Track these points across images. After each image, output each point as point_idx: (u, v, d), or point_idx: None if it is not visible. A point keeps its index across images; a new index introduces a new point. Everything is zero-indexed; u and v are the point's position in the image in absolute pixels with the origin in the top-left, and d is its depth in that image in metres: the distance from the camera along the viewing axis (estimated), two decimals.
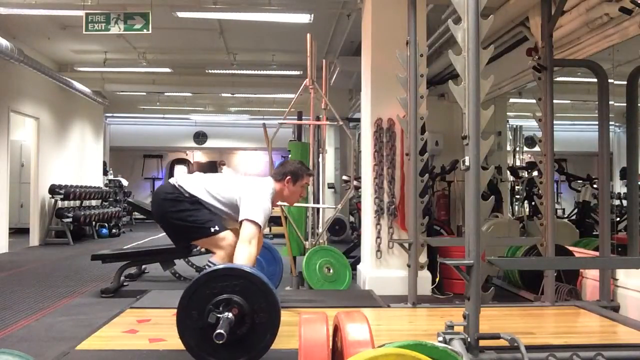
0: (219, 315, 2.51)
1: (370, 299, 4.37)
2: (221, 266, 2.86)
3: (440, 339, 2.41)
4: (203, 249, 5.62)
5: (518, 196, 8.70)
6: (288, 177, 3.54)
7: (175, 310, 2.87)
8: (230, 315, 2.51)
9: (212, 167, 17.20)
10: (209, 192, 3.36)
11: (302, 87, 5.49)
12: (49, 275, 6.30)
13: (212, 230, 3.29)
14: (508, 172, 8.25)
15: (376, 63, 5.13)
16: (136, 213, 13.60)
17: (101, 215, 10.71)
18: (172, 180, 3.49)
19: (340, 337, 2.05)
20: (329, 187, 10.00)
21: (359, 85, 6.84)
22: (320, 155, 6.05)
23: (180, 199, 3.33)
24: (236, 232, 3.31)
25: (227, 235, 3.31)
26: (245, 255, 3.08)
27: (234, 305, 2.54)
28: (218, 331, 2.42)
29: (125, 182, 13.71)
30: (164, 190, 3.43)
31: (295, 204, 5.60)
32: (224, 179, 3.55)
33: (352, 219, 10.72)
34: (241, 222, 3.20)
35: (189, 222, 3.31)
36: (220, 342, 2.40)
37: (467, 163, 2.49)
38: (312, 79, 5.47)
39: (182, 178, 3.48)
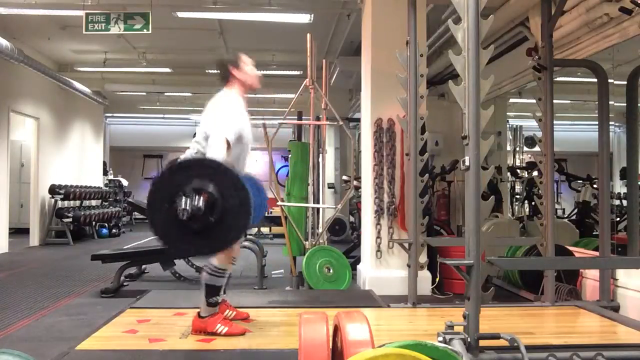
0: (187, 199, 2.53)
1: (370, 299, 4.37)
2: (191, 157, 2.84)
3: (440, 339, 2.41)
4: None
5: (518, 196, 8.71)
6: (232, 67, 3.32)
7: (176, 311, 2.90)
8: (199, 198, 2.52)
9: None
10: None
11: (302, 87, 5.49)
12: (49, 275, 6.30)
13: None
14: (508, 172, 8.26)
15: (376, 63, 5.13)
16: (136, 213, 13.58)
17: (101, 215, 10.71)
18: None
19: (340, 337, 2.05)
20: (329, 187, 9.99)
21: (359, 85, 6.84)
22: (320, 155, 6.05)
23: None
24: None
25: None
26: (215, 154, 2.96)
27: (203, 191, 2.55)
28: (183, 207, 2.46)
29: (125, 182, 13.70)
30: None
31: (296, 204, 5.62)
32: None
33: (352, 219, 10.72)
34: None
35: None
36: (185, 218, 2.45)
37: (467, 163, 2.49)
38: (312, 79, 5.47)
39: None
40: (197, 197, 2.54)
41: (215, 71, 3.51)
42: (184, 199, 2.53)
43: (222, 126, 3.09)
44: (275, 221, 10.73)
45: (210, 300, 3.20)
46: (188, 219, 2.52)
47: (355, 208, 9.98)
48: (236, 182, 2.65)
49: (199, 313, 3.24)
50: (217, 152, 2.98)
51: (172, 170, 2.70)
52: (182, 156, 3.26)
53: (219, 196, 2.58)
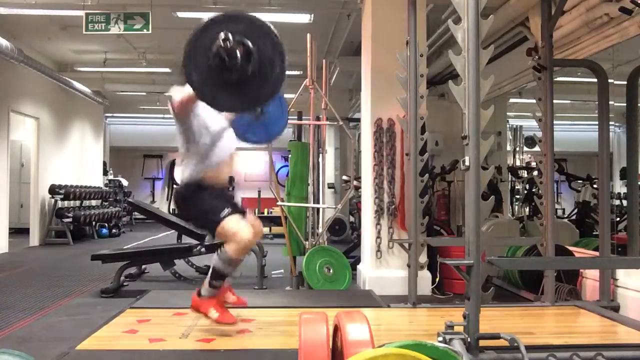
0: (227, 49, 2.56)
1: (370, 299, 4.37)
2: (225, 13, 2.88)
3: (440, 339, 2.41)
4: (203, 249, 5.64)
5: (518, 196, 8.71)
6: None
7: (176, 311, 2.89)
8: (235, 48, 2.56)
9: None
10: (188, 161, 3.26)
11: (302, 87, 5.48)
12: (49, 275, 6.30)
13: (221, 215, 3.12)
14: (508, 172, 8.26)
15: (376, 63, 5.13)
16: (136, 213, 13.58)
17: (101, 215, 10.71)
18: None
19: (340, 337, 2.05)
20: (329, 187, 9.99)
21: (359, 85, 6.85)
22: (320, 155, 6.05)
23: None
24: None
25: (240, 228, 3.12)
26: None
27: (240, 43, 2.59)
28: (220, 47, 2.53)
29: (125, 182, 13.70)
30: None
31: (296, 204, 5.61)
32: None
33: (352, 219, 10.72)
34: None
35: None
36: (235, 61, 2.52)
37: (467, 163, 2.49)
38: (312, 79, 5.47)
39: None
40: (233, 46, 2.57)
41: None
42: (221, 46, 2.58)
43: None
44: (275, 221, 10.72)
45: (213, 282, 3.18)
46: (225, 63, 2.55)
47: (355, 208, 9.98)
48: (272, 36, 2.68)
49: (199, 290, 3.23)
50: (176, 105, 3.03)
51: (205, 26, 2.73)
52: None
53: (254, 47, 2.61)
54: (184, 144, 3.29)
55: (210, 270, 3.19)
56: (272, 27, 2.68)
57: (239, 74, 2.58)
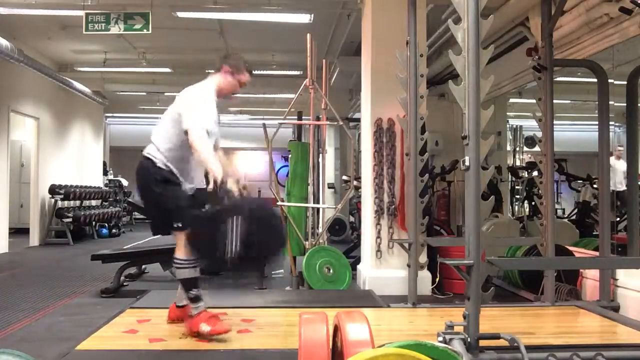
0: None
1: (370, 299, 4.37)
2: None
3: (440, 339, 2.41)
4: None
5: (518, 196, 8.70)
6: (227, 68, 3.39)
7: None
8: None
9: None
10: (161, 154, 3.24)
11: (302, 87, 5.49)
12: (49, 275, 6.30)
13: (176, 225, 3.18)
14: (508, 172, 8.25)
15: (376, 63, 5.13)
16: (136, 213, 13.58)
17: (101, 215, 10.71)
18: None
19: (340, 337, 2.05)
20: (329, 187, 9.98)
21: (359, 85, 6.84)
22: (320, 155, 6.05)
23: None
24: None
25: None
26: (204, 156, 3.04)
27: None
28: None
29: (125, 182, 13.69)
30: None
31: (296, 204, 5.61)
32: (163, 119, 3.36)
33: (352, 219, 10.71)
34: (186, 131, 3.09)
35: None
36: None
37: (467, 163, 2.49)
38: (312, 79, 5.47)
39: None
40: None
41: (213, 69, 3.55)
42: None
43: (200, 117, 3.11)
44: None
45: (190, 294, 3.18)
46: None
47: (355, 208, 9.97)
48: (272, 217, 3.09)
49: (190, 313, 3.22)
50: (202, 147, 3.03)
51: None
52: (145, 151, 3.30)
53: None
54: (178, 136, 3.22)
55: (180, 284, 3.23)
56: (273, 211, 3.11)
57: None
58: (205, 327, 3.11)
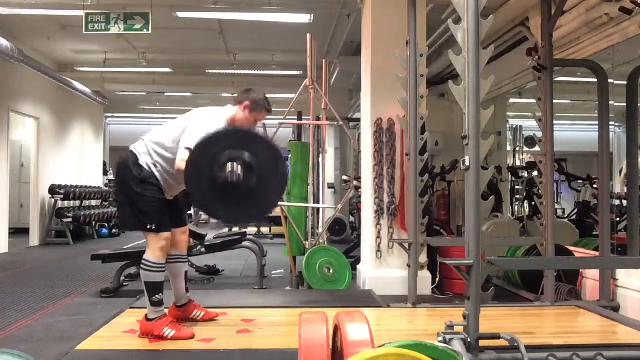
0: (229, 166, 2.64)
1: (370, 299, 4.37)
2: (222, 129, 2.91)
3: (440, 339, 2.41)
4: (202, 249, 5.64)
5: (518, 196, 8.70)
6: (247, 103, 3.40)
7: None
8: (237, 166, 2.62)
9: None
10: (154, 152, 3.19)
11: (302, 87, 5.49)
12: (49, 275, 6.30)
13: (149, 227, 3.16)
14: (508, 172, 8.25)
15: (376, 63, 5.13)
16: None
17: (101, 215, 10.71)
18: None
19: (340, 337, 2.05)
20: (329, 187, 9.99)
21: (359, 85, 6.84)
22: (320, 155, 6.05)
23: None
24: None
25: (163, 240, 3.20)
26: (178, 162, 3.00)
27: (240, 159, 2.66)
28: (235, 172, 2.59)
29: None
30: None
31: (295, 204, 5.61)
32: (172, 125, 3.29)
33: (352, 219, 10.72)
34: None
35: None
36: (235, 180, 2.56)
37: (467, 163, 2.49)
38: (312, 79, 5.47)
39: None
40: (234, 165, 2.62)
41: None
42: (225, 167, 2.64)
43: (194, 140, 3.01)
44: (275, 221, 10.70)
45: (153, 299, 3.15)
46: (228, 186, 2.60)
47: (355, 208, 9.98)
48: (270, 148, 2.78)
49: (146, 315, 3.19)
50: (181, 164, 2.99)
51: (204, 144, 2.75)
52: (132, 146, 3.25)
53: (255, 163, 2.67)
54: (171, 140, 3.21)
55: (144, 287, 3.18)
56: (267, 135, 2.82)
57: (241, 191, 2.63)
58: (169, 332, 3.12)
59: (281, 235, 6.07)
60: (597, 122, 4.28)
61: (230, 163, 2.67)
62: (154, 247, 3.18)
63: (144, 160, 3.19)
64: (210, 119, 3.22)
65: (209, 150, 2.75)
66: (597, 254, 4.43)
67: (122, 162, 3.26)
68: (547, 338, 3.27)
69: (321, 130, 6.08)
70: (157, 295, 3.15)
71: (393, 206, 5.01)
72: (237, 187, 2.65)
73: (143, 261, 3.19)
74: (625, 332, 3.40)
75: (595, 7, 4.35)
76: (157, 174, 3.18)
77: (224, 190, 2.68)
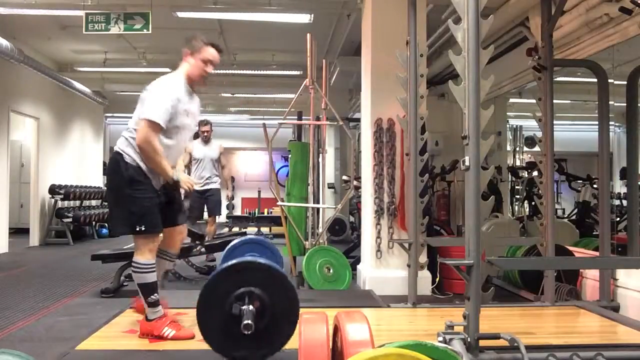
0: (242, 308, 2.50)
1: (370, 299, 4.37)
2: (240, 260, 2.78)
3: (440, 339, 2.41)
4: (202, 249, 5.64)
5: (518, 196, 8.71)
6: (186, 51, 3.30)
7: (177, 310, 2.87)
8: (252, 307, 2.51)
9: None
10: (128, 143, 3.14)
11: (302, 87, 5.49)
12: (49, 275, 6.30)
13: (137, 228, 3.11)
14: (508, 172, 8.25)
15: (376, 63, 5.13)
16: None
17: (101, 215, 10.70)
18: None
19: (340, 337, 2.05)
20: (329, 187, 10.00)
21: (359, 85, 6.84)
22: (320, 155, 6.05)
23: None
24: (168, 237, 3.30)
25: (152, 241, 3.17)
26: (140, 141, 3.00)
27: (255, 298, 2.53)
28: (245, 322, 2.43)
29: None
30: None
31: (295, 204, 5.61)
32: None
33: (352, 219, 10.72)
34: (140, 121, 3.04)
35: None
36: (248, 332, 2.41)
37: (467, 163, 2.49)
38: (312, 79, 5.47)
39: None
40: (248, 305, 2.52)
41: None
42: (240, 309, 2.52)
43: (151, 109, 3.02)
44: (275, 221, 10.70)
45: (149, 300, 3.14)
46: (240, 321, 2.49)
47: (355, 208, 9.98)
48: (285, 285, 2.63)
49: (146, 316, 3.19)
50: (141, 139, 2.98)
51: (219, 276, 2.65)
52: (117, 145, 3.21)
53: (268, 301, 2.56)
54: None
55: (138, 289, 3.16)
56: (288, 278, 2.67)
57: (252, 330, 2.50)
58: (169, 332, 3.12)
59: (281, 235, 6.06)
60: (597, 122, 4.28)
61: (238, 307, 2.54)
62: (143, 249, 3.14)
63: (127, 154, 3.13)
64: (166, 84, 3.18)
65: (222, 284, 2.63)
66: (597, 254, 4.43)
67: (109, 167, 3.26)
68: (547, 338, 3.27)
69: (321, 130, 6.08)
70: (152, 296, 3.15)
71: (393, 206, 5.01)
72: (246, 327, 2.52)
73: (133, 264, 3.16)
74: (625, 332, 3.40)
75: (595, 7, 4.35)
76: (141, 164, 3.12)
77: (233, 324, 2.55)
